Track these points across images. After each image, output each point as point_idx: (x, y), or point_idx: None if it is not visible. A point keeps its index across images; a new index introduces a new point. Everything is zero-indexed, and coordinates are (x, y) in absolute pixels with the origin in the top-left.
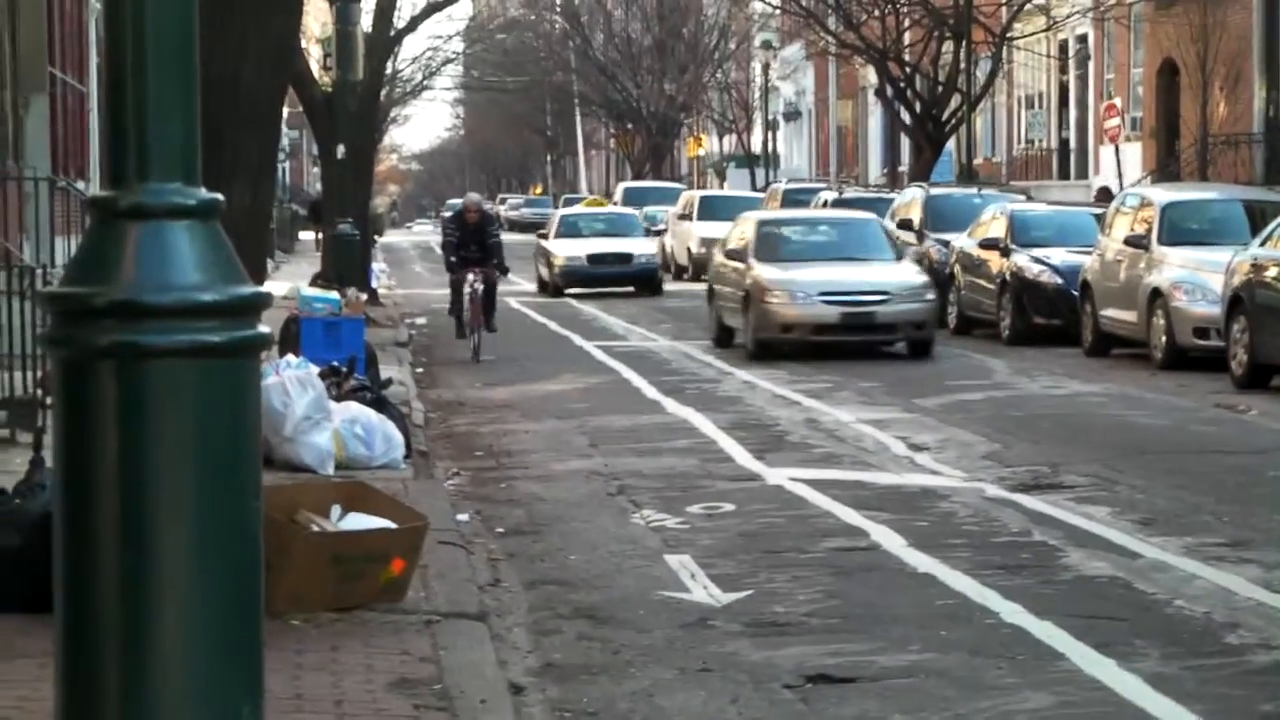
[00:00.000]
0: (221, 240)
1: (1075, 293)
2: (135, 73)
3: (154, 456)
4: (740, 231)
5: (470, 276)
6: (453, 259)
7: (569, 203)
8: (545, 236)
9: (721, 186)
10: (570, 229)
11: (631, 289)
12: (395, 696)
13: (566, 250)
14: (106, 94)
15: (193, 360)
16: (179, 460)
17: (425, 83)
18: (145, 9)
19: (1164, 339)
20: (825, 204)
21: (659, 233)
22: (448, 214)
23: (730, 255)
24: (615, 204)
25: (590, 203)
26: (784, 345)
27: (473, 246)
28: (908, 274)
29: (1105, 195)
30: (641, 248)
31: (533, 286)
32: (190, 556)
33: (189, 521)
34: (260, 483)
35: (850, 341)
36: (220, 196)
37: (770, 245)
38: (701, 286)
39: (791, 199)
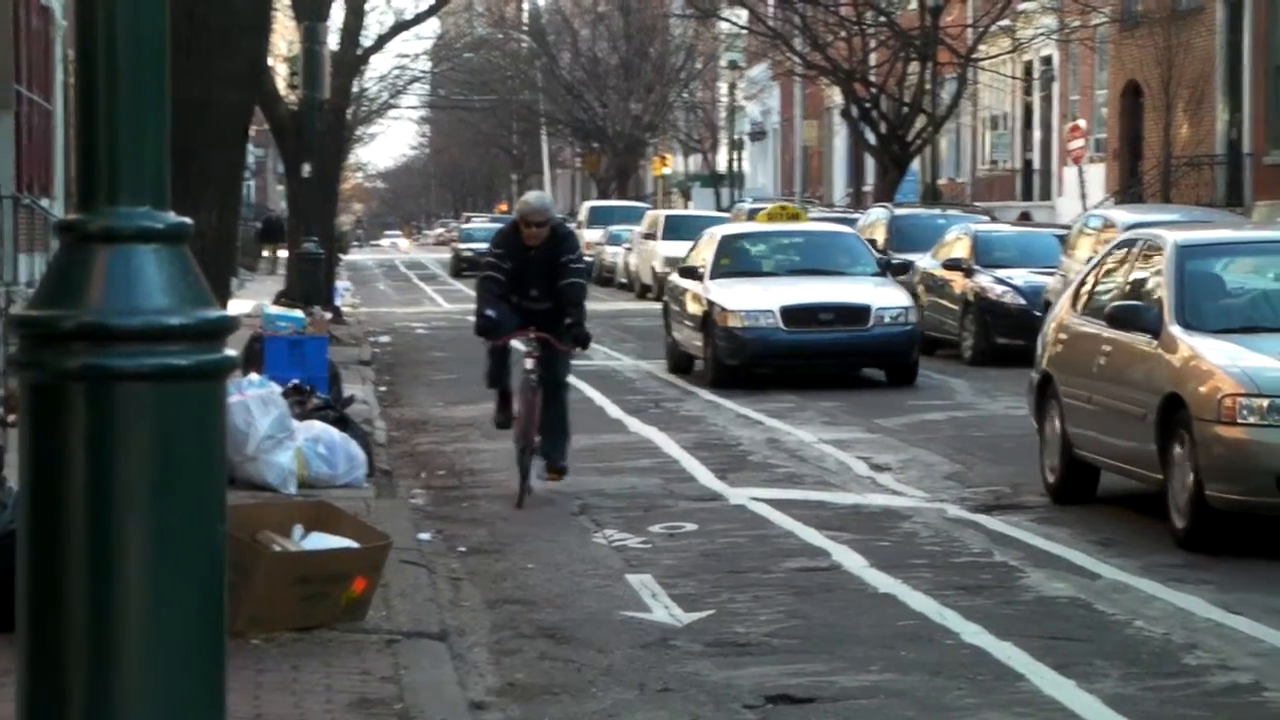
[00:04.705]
0: (189, 263)
1: (1038, 313)
2: (106, 95)
3: (121, 479)
4: (1140, 267)
5: (520, 346)
6: (489, 312)
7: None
8: (693, 275)
9: (686, 206)
10: (742, 261)
11: (841, 366)
12: (355, 716)
13: (741, 300)
14: (77, 116)
15: (160, 384)
16: (145, 483)
17: (391, 101)
18: (116, 32)
19: None
20: None
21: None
22: (466, 222)
23: (1117, 318)
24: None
25: (772, 213)
26: None
27: (533, 291)
28: None
29: (1024, 219)
30: (881, 296)
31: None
32: (155, 578)
33: (154, 543)
34: (225, 505)
35: None
36: (189, 220)
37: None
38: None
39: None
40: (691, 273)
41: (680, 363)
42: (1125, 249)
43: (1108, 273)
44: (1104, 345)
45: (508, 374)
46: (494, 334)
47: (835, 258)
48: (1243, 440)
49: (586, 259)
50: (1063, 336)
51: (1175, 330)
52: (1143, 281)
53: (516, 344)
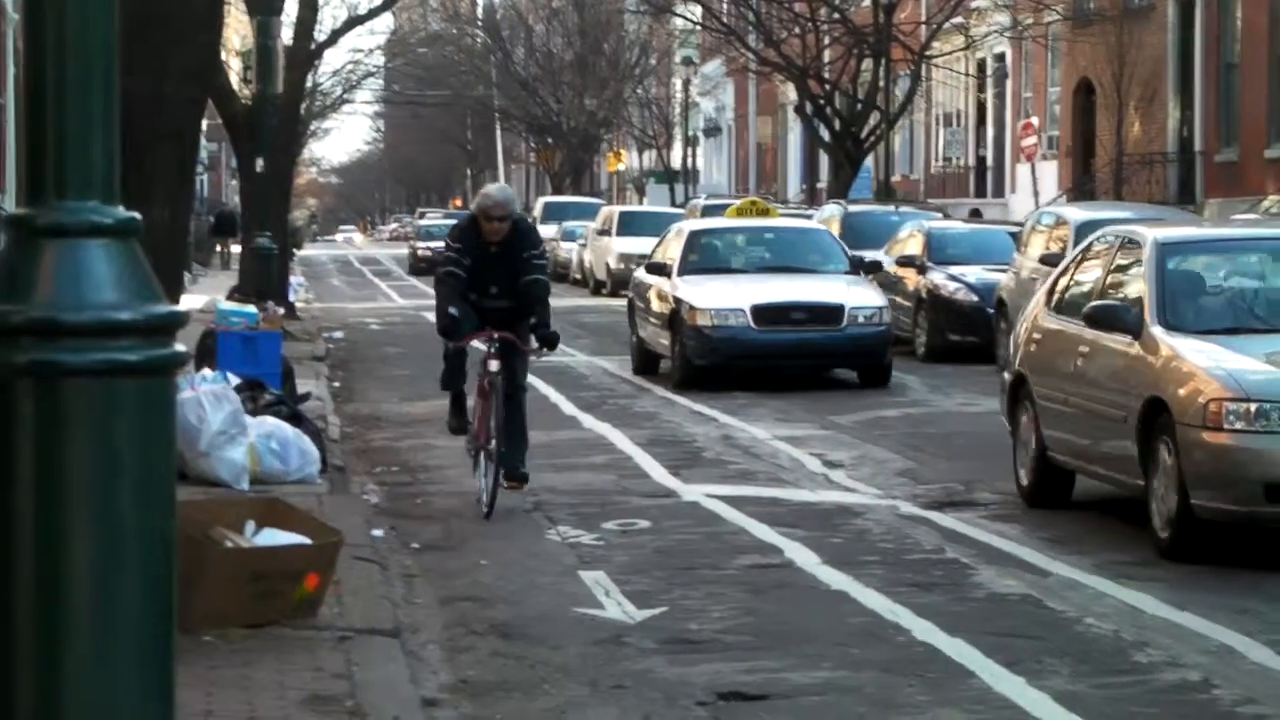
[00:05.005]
0: (139, 259)
1: (991, 310)
2: (55, 90)
3: (70, 474)
4: None
5: (480, 345)
6: (452, 311)
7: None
8: (660, 271)
9: (641, 202)
10: (711, 257)
11: (814, 368)
12: (308, 713)
13: (710, 298)
14: (26, 111)
15: (109, 379)
16: (94, 478)
17: (345, 96)
18: (67, 28)
19: None
20: None
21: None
22: (420, 218)
23: None
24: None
25: (742, 209)
26: None
27: (493, 289)
28: None
29: (975, 215)
30: (854, 295)
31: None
32: (103, 574)
33: (103, 539)
34: (175, 501)
35: None
36: (138, 215)
37: None
38: (626, 303)
39: (711, 215)
40: (658, 269)
41: (646, 363)
42: (1101, 246)
43: (1083, 271)
44: (1081, 346)
45: (465, 377)
46: (456, 334)
47: (806, 255)
48: (1229, 447)
49: None
50: (1037, 336)
51: (1157, 331)
52: (1121, 280)
53: (477, 344)
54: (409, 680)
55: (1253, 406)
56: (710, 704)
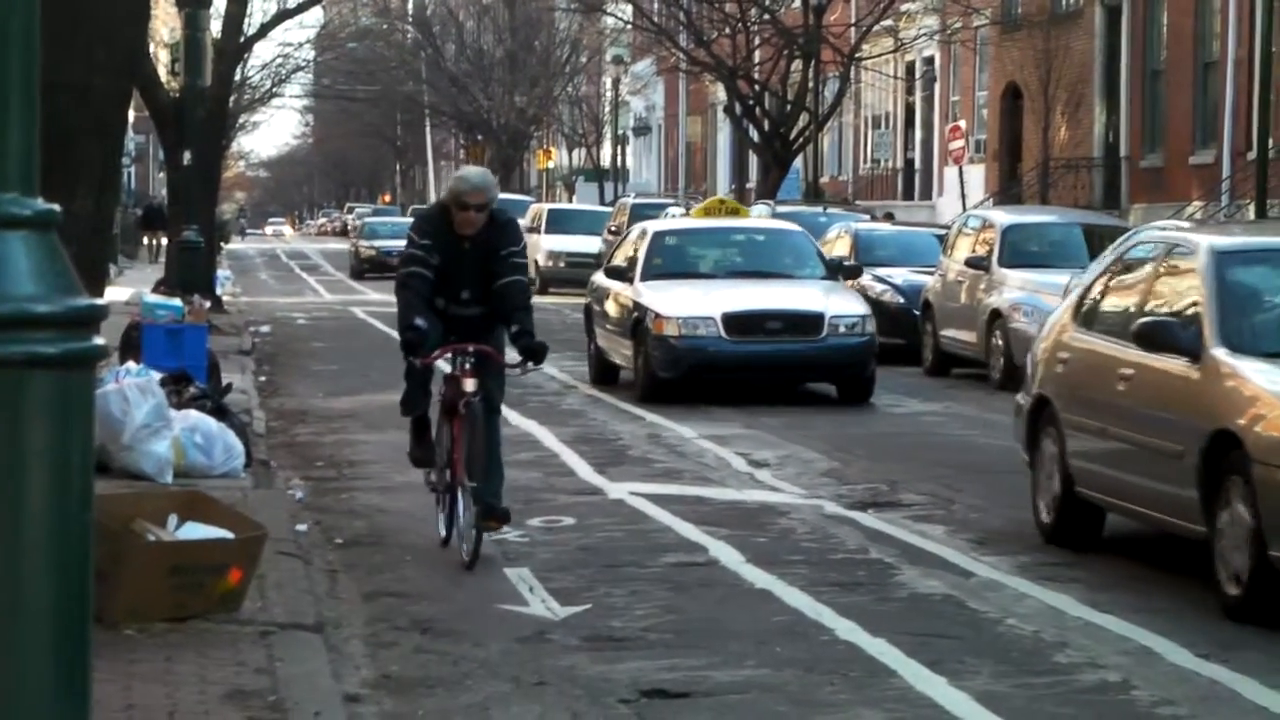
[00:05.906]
0: (58, 251)
1: (917, 312)
2: None
3: None
4: None
5: (447, 367)
6: (419, 323)
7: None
8: (620, 275)
9: (570, 200)
10: (675, 261)
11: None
12: (229, 708)
13: (677, 305)
14: None
15: (26, 371)
16: (9, 470)
17: (275, 90)
18: None
19: (1002, 359)
20: None
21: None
22: (348, 212)
23: None
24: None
25: (710, 208)
26: None
27: (465, 293)
28: None
29: (888, 218)
30: (834, 303)
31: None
32: (18, 565)
33: (18, 530)
34: (92, 494)
35: None
36: (57, 207)
37: None
38: (554, 300)
39: (640, 214)
40: (618, 273)
41: (604, 373)
42: (1141, 254)
43: (1119, 282)
44: (1123, 368)
45: (430, 400)
46: (422, 350)
47: (780, 259)
48: None
49: None
50: (1064, 355)
51: (1219, 353)
52: (1167, 293)
53: (442, 364)
54: (331, 675)
55: None
56: (633, 701)
